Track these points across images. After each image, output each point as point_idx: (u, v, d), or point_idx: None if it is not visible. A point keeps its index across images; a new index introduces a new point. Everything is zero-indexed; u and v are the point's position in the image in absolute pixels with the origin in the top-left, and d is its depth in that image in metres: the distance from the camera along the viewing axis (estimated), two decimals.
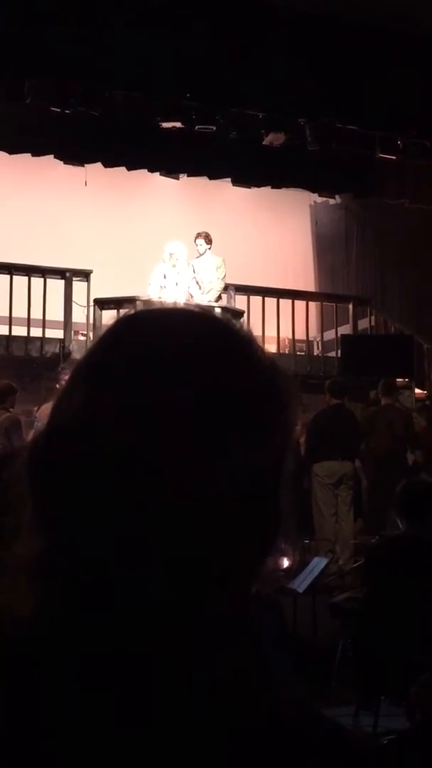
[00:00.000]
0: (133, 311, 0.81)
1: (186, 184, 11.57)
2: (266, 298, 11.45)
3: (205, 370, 0.73)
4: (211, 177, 11.23)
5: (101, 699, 0.69)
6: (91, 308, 10.71)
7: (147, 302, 10.26)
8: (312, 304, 12.18)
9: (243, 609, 0.74)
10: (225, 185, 11.60)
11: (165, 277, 10.56)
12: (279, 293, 11.65)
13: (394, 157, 10.09)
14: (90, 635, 0.70)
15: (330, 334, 12.15)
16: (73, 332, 10.97)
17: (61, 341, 10.75)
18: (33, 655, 0.71)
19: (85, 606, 0.70)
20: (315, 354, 12.27)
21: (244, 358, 0.76)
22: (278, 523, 0.75)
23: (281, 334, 11.56)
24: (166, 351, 0.74)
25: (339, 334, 11.51)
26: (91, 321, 10.69)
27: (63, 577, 0.71)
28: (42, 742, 0.69)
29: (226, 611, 0.72)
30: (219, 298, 10.75)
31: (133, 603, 0.70)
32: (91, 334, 10.73)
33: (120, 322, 0.80)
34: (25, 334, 10.63)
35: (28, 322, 10.57)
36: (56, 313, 10.74)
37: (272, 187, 11.50)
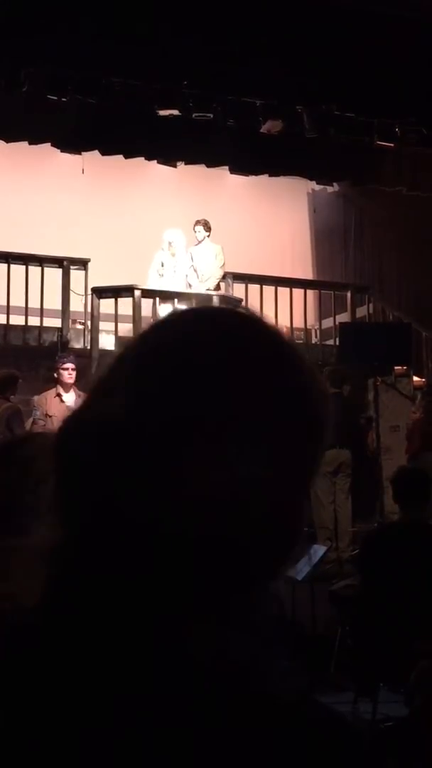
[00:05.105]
0: (182, 308, 0.83)
1: (183, 172, 11.54)
2: (264, 287, 11.43)
3: (251, 377, 0.75)
4: (209, 165, 11.20)
5: (101, 691, 0.69)
6: (89, 297, 10.70)
7: (145, 291, 10.31)
8: (310, 292, 12.16)
9: (254, 606, 0.75)
10: (223, 173, 11.57)
11: (163, 265, 10.55)
12: (277, 281, 11.63)
13: (392, 145, 10.07)
14: (95, 626, 0.70)
15: (328, 322, 12.14)
16: (70, 321, 10.96)
17: (59, 330, 10.74)
18: (33, 644, 0.71)
19: (96, 597, 0.71)
20: (313, 342, 12.26)
21: (290, 368, 0.77)
22: (301, 524, 0.77)
23: (279, 322, 11.40)
24: (214, 358, 0.75)
25: (337, 322, 11.50)
26: (89, 310, 10.68)
27: (78, 568, 0.72)
28: (40, 732, 0.69)
29: (237, 608, 0.74)
30: (218, 286, 10.75)
31: (145, 597, 0.71)
32: (89, 323, 10.73)
33: (169, 321, 0.81)
34: (23, 323, 10.62)
35: (26, 311, 10.55)
36: (54, 302, 10.73)
37: (270, 175, 11.47)
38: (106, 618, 0.70)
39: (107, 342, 10.58)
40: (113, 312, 10.37)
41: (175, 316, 0.82)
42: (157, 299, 10.35)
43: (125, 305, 10.34)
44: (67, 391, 8.54)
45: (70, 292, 10.88)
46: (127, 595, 0.70)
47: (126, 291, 10.38)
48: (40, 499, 0.75)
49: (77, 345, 10.75)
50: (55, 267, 10.90)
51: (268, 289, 11.44)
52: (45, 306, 10.61)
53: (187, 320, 0.81)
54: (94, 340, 10.47)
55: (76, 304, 10.91)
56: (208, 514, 0.71)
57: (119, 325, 10.36)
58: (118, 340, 10.41)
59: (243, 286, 11.34)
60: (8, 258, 10.62)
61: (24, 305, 10.51)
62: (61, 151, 10.71)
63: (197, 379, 0.74)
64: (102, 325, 10.54)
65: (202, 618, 0.72)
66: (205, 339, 0.76)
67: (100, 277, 10.72)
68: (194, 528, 0.71)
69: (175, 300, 10.33)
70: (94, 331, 10.49)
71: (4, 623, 0.74)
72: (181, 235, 10.63)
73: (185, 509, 0.71)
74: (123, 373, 0.77)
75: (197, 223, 10.76)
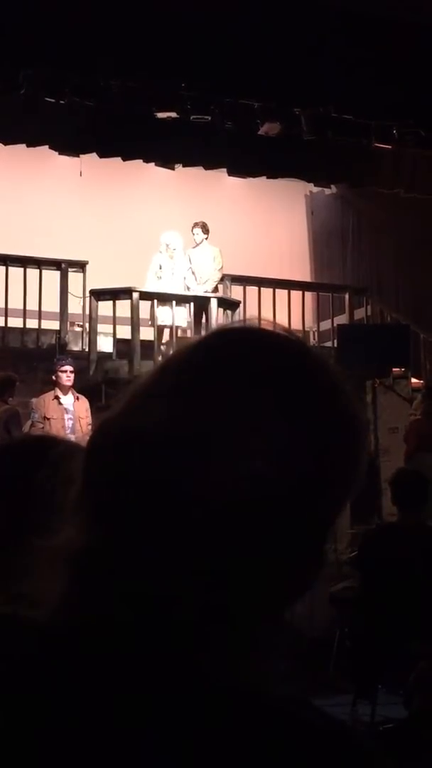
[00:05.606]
0: (233, 326, 0.84)
1: (181, 174, 11.55)
2: (262, 288, 11.44)
3: (294, 402, 0.76)
4: (207, 167, 11.19)
5: (104, 692, 0.70)
6: (87, 299, 10.71)
7: (143, 293, 10.31)
8: (308, 294, 12.17)
9: (270, 629, 0.76)
10: (221, 175, 11.57)
11: (161, 268, 10.56)
12: (275, 283, 11.64)
13: (390, 147, 10.08)
14: (107, 634, 0.71)
15: (326, 324, 12.14)
16: (68, 323, 10.97)
17: (57, 332, 10.75)
18: (43, 646, 0.72)
19: (113, 604, 0.71)
20: (311, 344, 12.24)
21: (332, 396, 0.78)
22: (320, 550, 0.78)
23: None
24: (262, 382, 0.76)
25: (335, 324, 11.50)
26: (87, 312, 10.69)
27: (99, 575, 0.72)
28: (41, 730, 0.69)
29: (251, 629, 0.74)
30: (216, 288, 10.76)
31: (158, 609, 0.71)
32: (87, 326, 10.73)
33: (220, 338, 0.81)
34: (21, 325, 10.63)
35: (24, 314, 10.56)
36: (52, 304, 10.73)
37: (268, 177, 11.47)
38: (115, 620, 0.71)
39: (105, 344, 10.59)
40: (111, 314, 10.38)
41: (225, 332, 0.83)
42: (155, 301, 10.36)
43: (123, 307, 10.35)
44: (65, 393, 8.54)
45: (68, 294, 10.89)
46: (136, 599, 0.71)
47: (124, 293, 10.39)
48: (66, 501, 0.76)
49: (75, 347, 10.75)
50: (53, 269, 10.90)
51: (266, 291, 11.45)
52: (43, 308, 10.62)
53: (235, 340, 0.81)
54: (93, 342, 10.48)
55: (74, 307, 10.93)
56: (263, 539, 0.72)
57: (117, 327, 10.37)
58: (116, 342, 10.43)
59: (241, 288, 11.35)
60: (6, 260, 10.63)
61: (22, 307, 10.51)
62: (59, 154, 10.71)
63: (241, 399, 0.74)
64: (100, 328, 10.56)
65: (203, 620, 0.72)
66: (254, 361, 0.77)
67: (98, 280, 10.72)
68: (243, 552, 0.72)
69: (173, 302, 10.34)
70: (93, 334, 10.49)
71: (22, 623, 0.74)
72: (179, 238, 10.64)
73: (239, 535, 0.72)
74: (165, 383, 0.77)
75: (195, 225, 10.76)
